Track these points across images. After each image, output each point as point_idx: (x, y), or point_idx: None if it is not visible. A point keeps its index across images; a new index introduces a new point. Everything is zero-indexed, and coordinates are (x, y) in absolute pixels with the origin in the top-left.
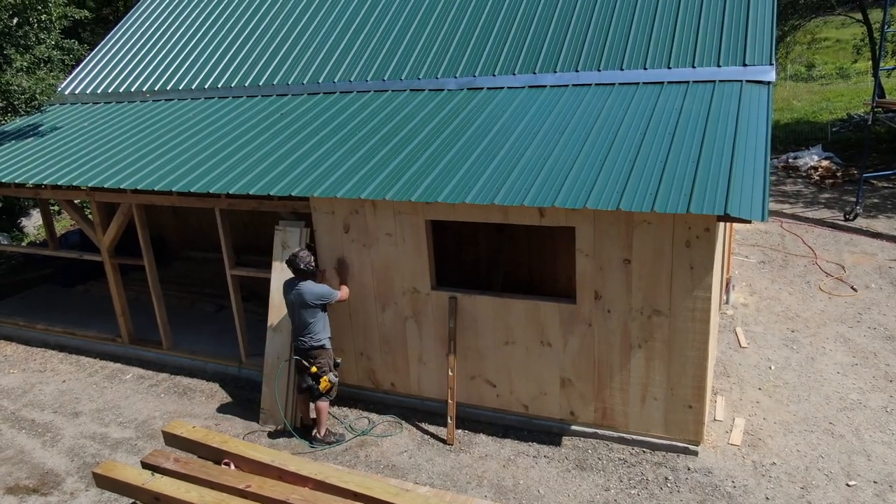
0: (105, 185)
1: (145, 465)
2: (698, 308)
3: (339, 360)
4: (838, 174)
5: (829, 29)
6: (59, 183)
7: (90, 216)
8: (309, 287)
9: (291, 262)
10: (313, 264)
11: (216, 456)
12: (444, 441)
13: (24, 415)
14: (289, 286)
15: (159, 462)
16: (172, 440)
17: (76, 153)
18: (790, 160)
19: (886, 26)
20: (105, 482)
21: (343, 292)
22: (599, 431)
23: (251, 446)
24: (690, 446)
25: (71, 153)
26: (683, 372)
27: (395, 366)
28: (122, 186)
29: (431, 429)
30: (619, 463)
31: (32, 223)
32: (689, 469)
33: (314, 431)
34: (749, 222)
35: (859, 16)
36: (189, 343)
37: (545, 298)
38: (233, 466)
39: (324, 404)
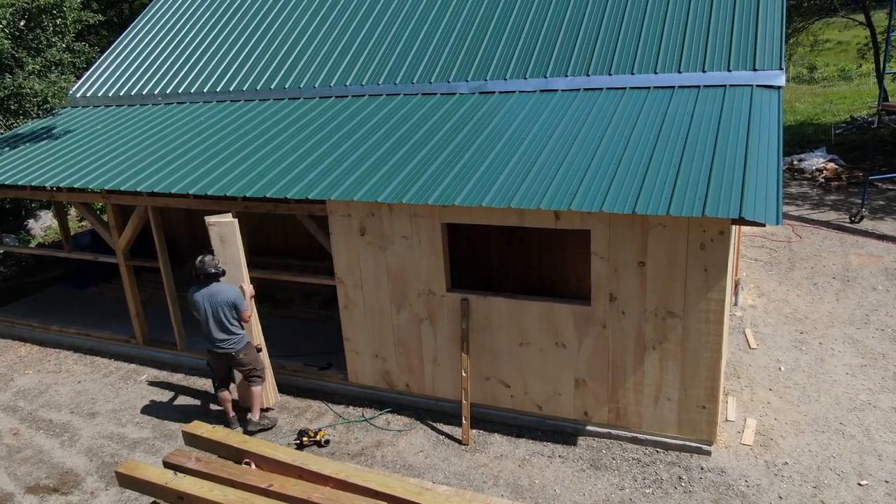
0: (122, 188)
1: (167, 465)
2: (712, 310)
3: (259, 346)
4: (843, 176)
5: (831, 31)
6: (75, 186)
7: (105, 218)
8: (224, 287)
9: (201, 269)
10: (220, 267)
11: (236, 456)
12: (459, 441)
13: (41, 415)
14: (201, 293)
15: (181, 462)
16: (192, 440)
17: (91, 156)
18: (795, 162)
19: (892, 30)
20: (128, 481)
21: (248, 310)
22: (613, 431)
23: (271, 446)
24: (703, 446)
25: (86, 156)
26: (697, 373)
27: (409, 367)
28: (138, 189)
29: (446, 429)
30: (633, 462)
31: (39, 225)
32: (702, 468)
33: (248, 416)
34: (763, 225)
35: (862, 17)
36: (204, 344)
37: (560, 300)
38: (253, 466)
39: (258, 388)
